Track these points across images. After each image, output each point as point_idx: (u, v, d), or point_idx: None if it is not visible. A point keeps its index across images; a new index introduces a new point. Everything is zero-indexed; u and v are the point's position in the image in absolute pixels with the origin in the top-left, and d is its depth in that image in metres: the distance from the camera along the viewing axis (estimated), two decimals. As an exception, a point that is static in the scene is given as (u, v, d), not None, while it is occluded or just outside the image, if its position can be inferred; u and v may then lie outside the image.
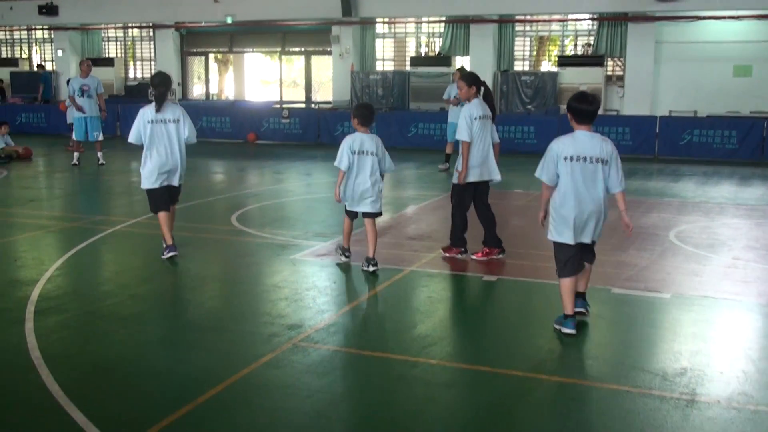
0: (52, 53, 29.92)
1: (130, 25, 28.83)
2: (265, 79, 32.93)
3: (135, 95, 26.56)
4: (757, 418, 4.45)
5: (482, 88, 8.09)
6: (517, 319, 6.39)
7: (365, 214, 7.70)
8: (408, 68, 24.52)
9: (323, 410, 4.62)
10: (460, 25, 23.91)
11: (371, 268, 7.57)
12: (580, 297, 6.10)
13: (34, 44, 31.14)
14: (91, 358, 5.40)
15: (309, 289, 7.06)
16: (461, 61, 24.55)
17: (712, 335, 5.97)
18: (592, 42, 22.92)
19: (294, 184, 14.02)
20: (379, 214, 7.83)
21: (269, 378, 5.01)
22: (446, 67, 22.74)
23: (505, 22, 23.35)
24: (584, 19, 23.29)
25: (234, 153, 19.31)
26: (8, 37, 31.22)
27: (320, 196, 12.26)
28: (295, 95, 30.18)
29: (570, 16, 23.24)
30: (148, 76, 28.65)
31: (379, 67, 25.66)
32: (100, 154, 15.83)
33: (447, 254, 8.20)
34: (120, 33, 29.63)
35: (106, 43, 29.78)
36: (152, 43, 28.59)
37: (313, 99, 27.95)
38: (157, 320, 6.31)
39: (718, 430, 4.31)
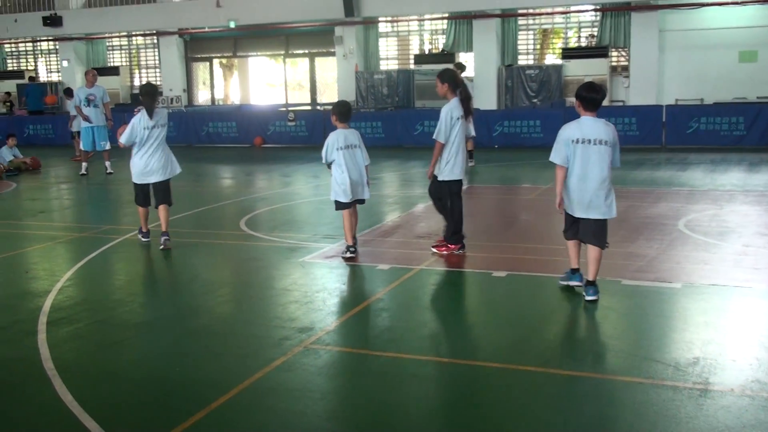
0: (57, 64, 30.05)
1: (134, 33, 28.93)
2: (270, 82, 32.96)
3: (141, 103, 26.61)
4: (772, 406, 4.42)
5: (459, 89, 8.06)
6: (527, 315, 6.37)
7: (358, 201, 8.26)
8: (412, 66, 24.52)
9: (336, 412, 4.63)
10: (462, 21, 23.88)
11: (348, 255, 8.11)
12: (591, 285, 6.42)
13: (39, 56, 31.29)
14: (104, 367, 5.43)
15: (319, 291, 7.07)
16: (464, 58, 24.53)
17: (723, 324, 5.94)
18: (595, 33, 22.87)
19: (302, 187, 14.04)
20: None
21: (281, 381, 5.02)
22: (450, 64, 22.71)
23: (508, 16, 23.31)
24: (587, 11, 23.23)
25: (241, 157, 19.36)
26: (14, 49, 31.39)
27: (328, 198, 12.22)
28: (301, 97, 30.20)
29: (573, 8, 23.17)
30: (154, 83, 28.75)
31: (383, 66, 25.66)
32: (107, 163, 15.89)
33: (439, 251, 8.19)
34: (124, 41, 29.75)
35: (111, 52, 29.90)
36: (157, 50, 28.68)
37: (319, 101, 27.98)
38: (169, 327, 6.33)
39: (732, 418, 4.29)
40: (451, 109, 7.94)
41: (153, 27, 27.38)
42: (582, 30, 23.69)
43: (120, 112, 22.20)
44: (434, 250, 8.21)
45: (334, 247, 8.68)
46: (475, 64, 23.53)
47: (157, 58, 28.84)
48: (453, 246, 8.18)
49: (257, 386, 4.93)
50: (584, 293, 6.46)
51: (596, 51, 21.98)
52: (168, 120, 9.32)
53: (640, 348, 5.42)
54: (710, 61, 21.22)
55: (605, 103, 20.91)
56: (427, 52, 25.25)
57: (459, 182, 8.13)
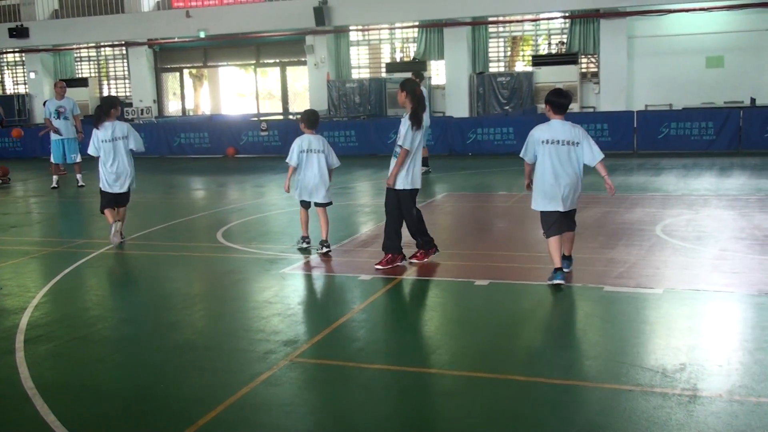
0: (24, 76, 29.67)
1: (102, 44, 28.65)
2: (240, 92, 32.83)
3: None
4: (761, 411, 4.44)
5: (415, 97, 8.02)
6: (511, 324, 6.37)
7: (317, 204, 8.79)
8: (384, 75, 24.54)
9: (326, 426, 4.57)
10: (433, 29, 23.97)
11: (324, 250, 8.67)
12: (566, 259, 7.37)
13: (5, 68, 30.86)
14: (86, 385, 5.32)
15: (301, 303, 7.01)
16: (436, 66, 24.64)
17: (707, 329, 5.98)
18: (565, 40, 23.08)
19: (276, 197, 13.95)
20: (330, 203, 8.90)
21: (268, 396, 4.96)
22: (422, 71, 22.77)
23: (479, 24, 23.45)
24: (556, 18, 23.45)
25: (214, 168, 19.21)
26: (-22, 62, 30.96)
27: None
28: (272, 107, 30.10)
29: (542, 15, 23.38)
30: (123, 94, 28.50)
31: (355, 74, 25.65)
32: (79, 176, 15.69)
33: (418, 260, 8.17)
34: (93, 52, 29.46)
35: (79, 63, 29.58)
36: (126, 61, 28.43)
37: (290, 110, 27.90)
38: (150, 343, 6.22)
39: (722, 424, 4.30)
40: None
41: (122, 38, 27.15)
42: (552, 37, 23.90)
43: (90, 124, 21.97)
44: (413, 260, 8.17)
45: (315, 257, 8.63)
46: (447, 72, 23.63)
47: (126, 68, 28.59)
48: (431, 250, 8.16)
49: (244, 402, 4.86)
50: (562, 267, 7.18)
51: (566, 58, 22.18)
52: (139, 131, 9.83)
53: (627, 355, 5.43)
54: (678, 66, 21.52)
55: (577, 109, 21.26)
56: (398, 60, 25.29)
57: (416, 191, 8.13)
